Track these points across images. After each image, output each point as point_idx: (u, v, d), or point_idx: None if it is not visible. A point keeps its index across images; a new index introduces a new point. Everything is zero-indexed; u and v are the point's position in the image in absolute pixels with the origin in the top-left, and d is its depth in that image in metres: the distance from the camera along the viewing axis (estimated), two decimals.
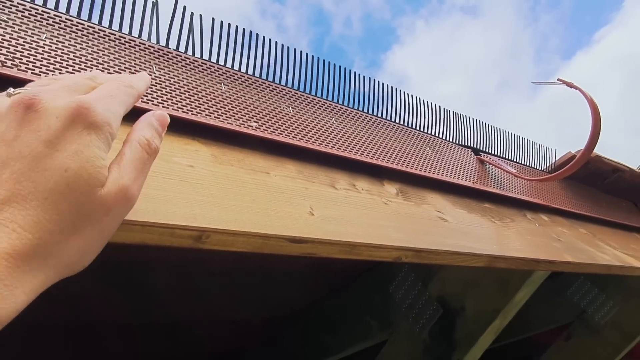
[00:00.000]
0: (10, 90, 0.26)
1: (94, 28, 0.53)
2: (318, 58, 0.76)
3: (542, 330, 1.47)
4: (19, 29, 0.47)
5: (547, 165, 1.14)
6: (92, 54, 0.51)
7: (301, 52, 0.73)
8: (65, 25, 0.51)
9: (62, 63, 0.47)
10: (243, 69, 0.67)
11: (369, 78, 0.81)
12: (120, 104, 0.28)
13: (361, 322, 1.07)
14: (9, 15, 0.48)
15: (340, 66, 0.76)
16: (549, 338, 1.54)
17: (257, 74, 0.68)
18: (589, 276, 1.46)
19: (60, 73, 0.46)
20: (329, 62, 0.76)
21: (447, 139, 0.94)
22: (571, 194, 1.10)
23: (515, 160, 1.08)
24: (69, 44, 0.50)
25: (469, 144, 0.97)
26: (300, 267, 1.11)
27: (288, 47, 0.72)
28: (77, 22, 0.52)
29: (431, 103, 0.90)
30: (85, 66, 0.49)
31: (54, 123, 0.23)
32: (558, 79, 0.84)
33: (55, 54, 0.48)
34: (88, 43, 0.51)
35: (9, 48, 0.45)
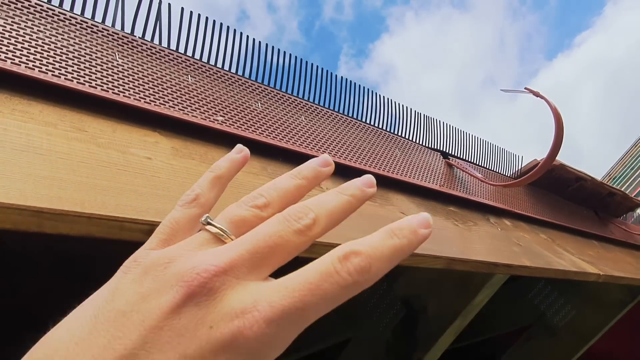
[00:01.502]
0: (204, 217, 0.22)
1: (54, 10, 0.51)
2: (290, 54, 0.76)
3: (504, 332, 1.51)
4: None
5: (514, 171, 1.17)
6: (50, 37, 0.49)
7: (273, 47, 0.72)
8: (22, 7, 0.49)
9: (16, 46, 0.45)
10: (212, 62, 0.66)
11: (342, 77, 0.81)
12: (308, 321, 0.19)
13: (325, 319, 1.07)
14: None
15: (312, 64, 0.76)
16: (512, 339, 1.59)
17: (226, 67, 0.67)
18: (549, 280, 1.51)
19: (13, 56, 0.44)
20: (302, 60, 0.76)
21: (417, 141, 0.95)
22: (535, 200, 1.13)
23: (483, 165, 1.10)
24: (25, 26, 0.48)
25: (439, 148, 0.99)
26: None
27: (260, 42, 0.71)
28: (36, 4, 0.50)
29: (403, 105, 0.91)
30: (42, 49, 0.47)
31: (203, 333, 0.17)
32: (525, 88, 0.86)
33: (9, 35, 0.46)
34: (47, 26, 0.50)
35: None
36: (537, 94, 0.84)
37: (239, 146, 0.29)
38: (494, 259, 0.69)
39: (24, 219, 0.29)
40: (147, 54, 0.57)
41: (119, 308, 0.18)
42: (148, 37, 0.60)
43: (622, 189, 1.58)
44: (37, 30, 0.48)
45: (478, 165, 1.09)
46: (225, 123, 0.58)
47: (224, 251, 0.20)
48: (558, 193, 1.29)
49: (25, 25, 0.48)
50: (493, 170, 1.13)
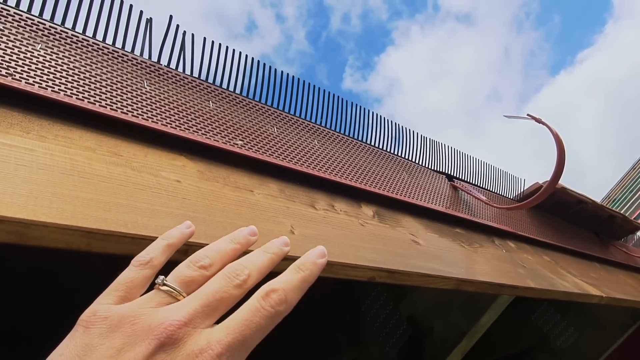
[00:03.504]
0: (160, 279, 0.27)
1: (88, 41, 0.55)
2: (304, 81, 0.79)
3: (507, 354, 1.51)
4: (14, 38, 0.48)
5: (516, 193, 1.20)
6: (86, 66, 0.52)
7: (287, 74, 0.76)
8: (60, 37, 0.52)
9: (55, 74, 0.49)
10: (231, 88, 0.69)
11: (352, 103, 0.85)
12: (248, 351, 0.24)
13: (331, 340, 1.09)
14: (5, 24, 0.49)
15: (325, 90, 0.80)
16: None
17: (244, 93, 0.70)
18: (552, 302, 1.52)
19: (53, 84, 0.47)
20: (314, 86, 0.79)
21: (423, 164, 0.98)
22: (537, 223, 1.15)
23: (486, 188, 1.13)
24: (62, 55, 0.51)
25: (444, 170, 1.01)
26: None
27: (276, 70, 0.75)
28: (72, 35, 0.54)
29: (411, 130, 0.94)
30: (78, 78, 0.50)
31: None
32: (528, 114, 0.89)
33: (49, 65, 0.49)
34: (82, 55, 0.53)
35: (4, 57, 0.46)
36: (539, 121, 0.87)
37: (187, 222, 0.34)
38: (501, 280, 0.71)
39: (75, 238, 0.32)
40: (172, 81, 0.61)
41: None
42: (173, 65, 0.63)
43: (622, 212, 1.61)
44: (74, 59, 0.52)
45: (481, 187, 1.12)
46: (245, 147, 0.61)
47: (181, 307, 0.24)
48: (559, 215, 1.32)
49: (63, 55, 0.51)
50: (496, 193, 1.16)
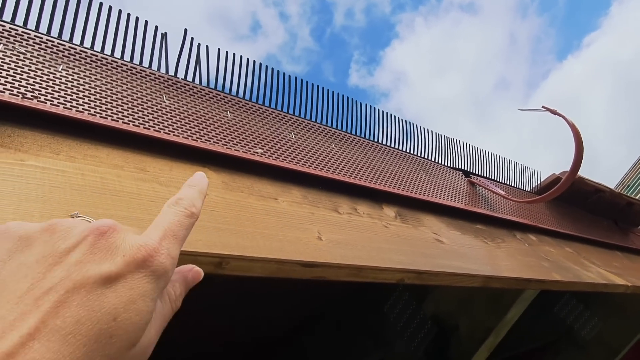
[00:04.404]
0: (76, 213, 0.26)
1: (107, 59, 0.56)
2: (312, 83, 0.80)
3: (530, 348, 1.50)
4: (36, 61, 0.49)
5: (533, 186, 1.19)
6: (107, 84, 0.53)
7: (302, 80, 0.76)
8: (80, 57, 0.53)
9: (78, 94, 0.49)
10: (241, 94, 0.70)
11: (367, 105, 0.85)
12: (180, 245, 0.25)
13: (356, 342, 1.08)
14: (27, 47, 0.50)
15: (339, 93, 0.80)
16: (537, 356, 1.57)
17: (254, 99, 0.71)
18: (574, 293, 1.50)
19: (77, 104, 0.48)
20: (328, 90, 0.79)
21: (439, 161, 0.98)
22: (556, 214, 1.14)
23: (502, 182, 1.12)
24: (84, 75, 0.52)
25: (460, 167, 1.01)
26: (295, 288, 1.12)
27: (289, 75, 0.75)
28: (92, 54, 0.55)
29: (425, 128, 0.94)
30: (100, 96, 0.51)
31: (119, 260, 0.21)
32: (542, 106, 0.88)
33: (71, 85, 0.49)
34: (102, 74, 0.53)
35: (28, 80, 0.47)
36: (555, 112, 0.87)
37: (201, 173, 0.33)
38: (527, 275, 0.70)
39: None
40: (189, 94, 0.61)
41: None
42: (189, 77, 0.64)
43: (638, 197, 1.59)
44: (95, 78, 0.52)
45: (497, 182, 1.11)
46: (265, 155, 0.61)
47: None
48: (577, 205, 1.30)
49: (84, 75, 0.52)
50: (512, 186, 1.15)
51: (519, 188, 1.15)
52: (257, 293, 1.07)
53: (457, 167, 1.00)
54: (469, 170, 1.01)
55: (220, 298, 1.05)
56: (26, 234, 0.22)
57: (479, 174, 1.04)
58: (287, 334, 1.22)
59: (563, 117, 0.84)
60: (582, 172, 1.24)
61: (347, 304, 1.15)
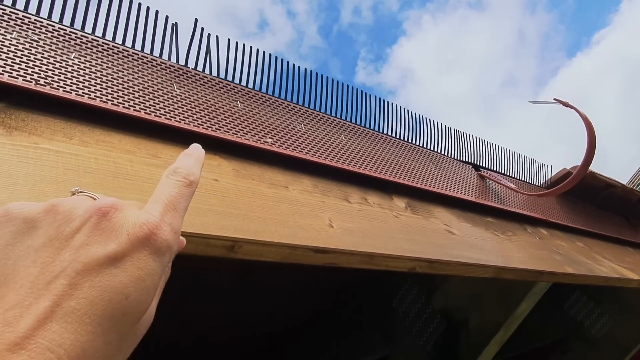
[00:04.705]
0: (76, 189, 0.26)
1: (118, 48, 0.56)
2: (322, 75, 0.79)
3: (541, 344, 1.49)
4: (49, 49, 0.49)
5: (543, 181, 1.18)
6: (118, 72, 0.53)
7: (311, 71, 0.76)
8: (91, 46, 0.53)
9: (90, 81, 0.49)
10: (250, 85, 0.70)
11: (376, 97, 0.84)
12: (182, 217, 0.25)
13: (364, 336, 1.08)
14: (40, 35, 0.50)
15: (348, 85, 0.79)
16: (546, 353, 1.55)
17: (263, 89, 0.71)
18: (584, 290, 1.48)
19: (89, 91, 0.48)
20: (337, 81, 0.79)
21: (448, 155, 0.97)
22: (567, 209, 1.13)
23: (512, 176, 1.11)
24: (95, 63, 0.52)
25: (470, 160, 1.00)
26: (303, 281, 1.12)
27: (298, 67, 0.75)
28: (103, 42, 0.55)
29: (434, 121, 0.93)
30: (112, 84, 0.51)
31: (124, 240, 0.21)
32: (554, 99, 0.88)
33: (83, 72, 0.50)
34: (113, 62, 0.54)
35: (41, 67, 0.47)
36: (566, 104, 0.86)
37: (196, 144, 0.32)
38: (538, 267, 0.70)
39: None
40: (199, 83, 0.61)
41: None
42: (199, 67, 0.64)
43: None
44: (106, 66, 0.52)
45: (507, 175, 1.10)
46: (275, 144, 0.61)
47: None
48: (589, 201, 1.29)
49: (95, 63, 0.52)
50: (522, 181, 1.14)
51: (529, 183, 1.14)
52: (265, 287, 1.07)
53: (466, 160, 0.99)
54: (478, 164, 1.01)
55: (229, 291, 1.05)
56: (30, 215, 0.22)
57: (489, 167, 1.03)
58: (295, 328, 1.22)
59: (575, 109, 0.83)
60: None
61: (356, 299, 1.15)
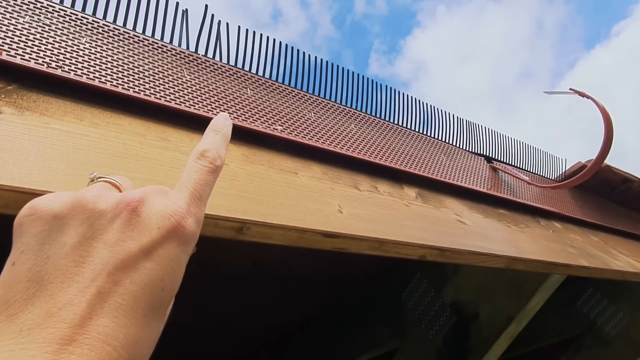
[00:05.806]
0: (94, 175, 0.27)
1: (129, 33, 0.56)
2: (332, 64, 0.79)
3: (552, 342, 1.47)
4: (61, 33, 0.49)
5: (558, 174, 1.16)
6: (128, 58, 0.53)
7: (321, 59, 0.75)
8: (103, 30, 0.53)
9: (101, 66, 0.49)
10: (261, 73, 0.69)
11: (387, 86, 0.83)
12: (205, 205, 0.26)
13: (373, 329, 1.07)
14: (52, 20, 0.50)
15: (359, 74, 0.79)
16: (558, 351, 1.53)
17: (274, 77, 0.70)
18: (598, 287, 1.46)
19: (100, 75, 0.48)
20: (349, 70, 0.78)
21: (460, 146, 0.96)
22: (582, 203, 1.11)
23: (526, 169, 1.09)
24: (106, 48, 0.52)
25: (482, 152, 0.99)
26: (313, 274, 1.12)
27: (309, 55, 0.74)
28: (114, 28, 0.55)
29: (446, 112, 0.92)
30: (122, 69, 0.51)
31: (155, 233, 0.22)
32: (570, 89, 0.86)
33: (94, 57, 0.50)
34: (124, 47, 0.54)
35: (52, 50, 0.47)
36: (583, 94, 0.84)
37: (224, 114, 0.33)
38: (552, 259, 0.68)
39: None
40: (210, 70, 0.61)
41: None
42: (209, 54, 0.64)
43: None
44: (117, 51, 0.52)
45: (521, 168, 1.08)
46: (284, 132, 0.61)
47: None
48: (603, 195, 1.26)
49: (107, 48, 0.52)
50: (536, 174, 1.12)
51: (543, 176, 1.12)
52: (275, 282, 1.07)
53: (478, 152, 0.98)
54: (491, 156, 0.99)
55: (237, 285, 1.05)
56: (58, 212, 0.22)
57: (502, 160, 1.02)
58: (304, 322, 1.22)
59: (592, 98, 0.81)
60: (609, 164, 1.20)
61: (365, 292, 1.14)
